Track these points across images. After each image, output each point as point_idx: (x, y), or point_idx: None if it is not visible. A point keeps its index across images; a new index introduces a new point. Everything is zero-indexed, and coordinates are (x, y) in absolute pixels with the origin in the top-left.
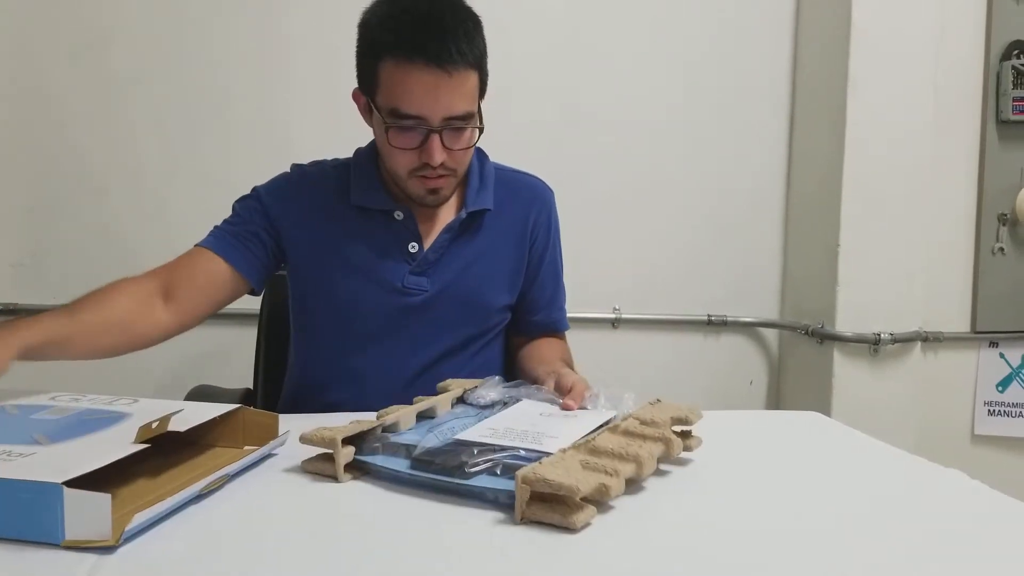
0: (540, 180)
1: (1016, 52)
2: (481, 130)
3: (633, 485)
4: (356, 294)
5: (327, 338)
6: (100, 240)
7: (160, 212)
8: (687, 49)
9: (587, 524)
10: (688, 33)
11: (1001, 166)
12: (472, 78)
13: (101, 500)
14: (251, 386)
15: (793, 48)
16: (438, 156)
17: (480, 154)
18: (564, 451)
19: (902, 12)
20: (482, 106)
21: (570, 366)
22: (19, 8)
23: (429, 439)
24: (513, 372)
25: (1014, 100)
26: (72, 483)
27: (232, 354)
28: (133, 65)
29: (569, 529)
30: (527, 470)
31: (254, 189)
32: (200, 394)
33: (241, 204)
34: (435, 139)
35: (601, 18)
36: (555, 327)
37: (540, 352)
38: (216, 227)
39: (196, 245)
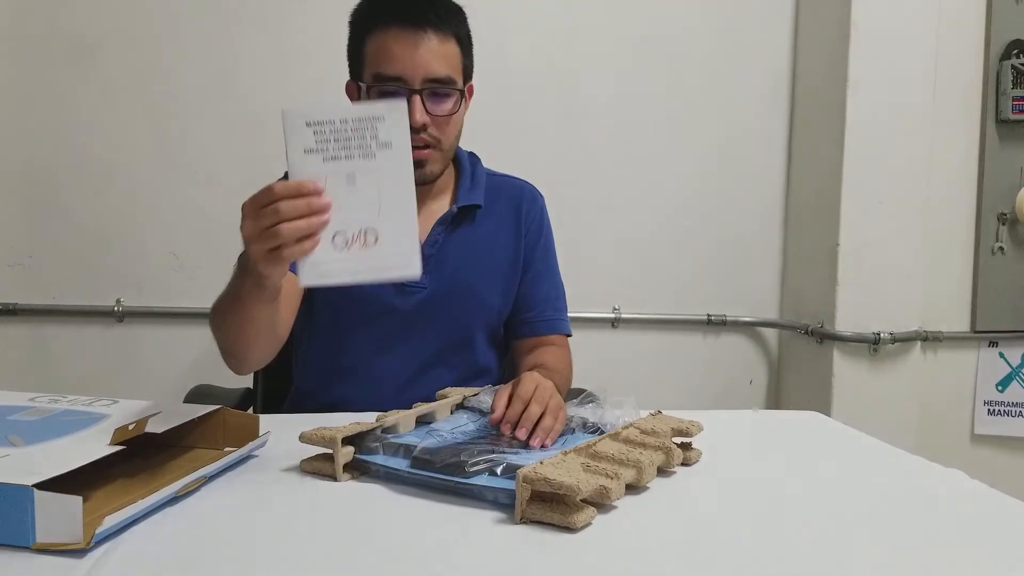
0: (529, 183)
1: (1016, 51)
2: (465, 94)
3: (632, 490)
4: (356, 293)
5: (328, 338)
6: (98, 241)
7: (158, 212)
8: (686, 48)
9: (587, 524)
10: (687, 33)
11: (1001, 166)
12: (451, 45)
13: (72, 502)
14: (251, 385)
15: (793, 48)
16: (419, 116)
17: (473, 157)
18: (565, 453)
19: (901, 12)
20: (473, 104)
21: (560, 373)
22: (19, 9)
23: (428, 440)
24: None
25: (1014, 99)
26: (44, 485)
27: None
28: (131, 66)
29: (569, 529)
30: (528, 469)
31: None
32: (200, 394)
33: None
34: (416, 99)
35: (600, 18)
36: (552, 328)
37: (531, 362)
38: None
39: None
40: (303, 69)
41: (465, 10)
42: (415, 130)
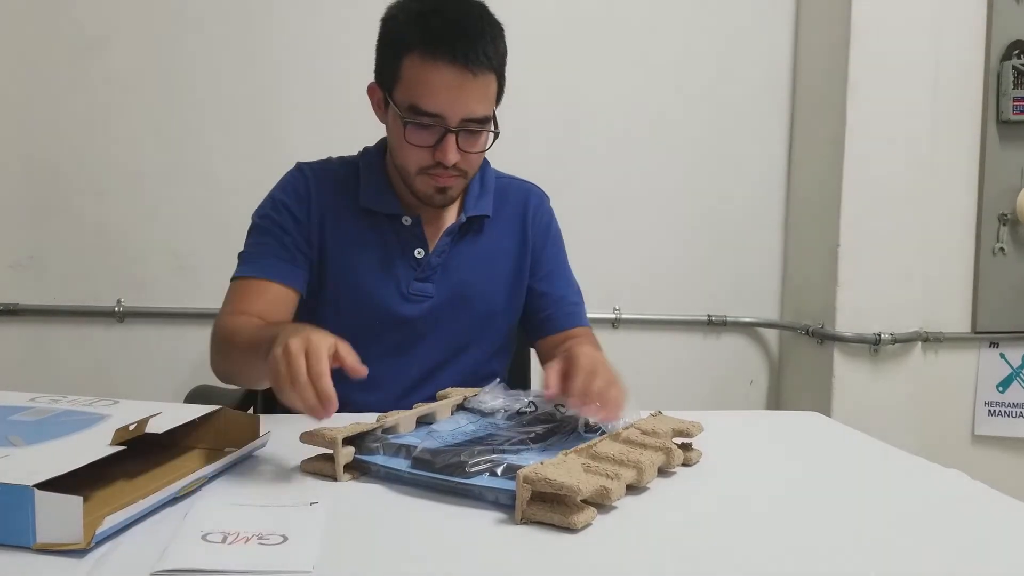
0: (536, 185)
1: (1016, 52)
2: (496, 135)
3: (632, 491)
4: (362, 298)
5: None
6: (99, 241)
7: (159, 213)
8: (687, 50)
9: (587, 525)
10: (689, 34)
11: (1001, 166)
12: (493, 83)
13: (73, 503)
14: None
15: (793, 49)
16: (452, 156)
17: (483, 161)
18: (566, 454)
19: (902, 13)
20: (496, 112)
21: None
22: (19, 8)
23: (428, 441)
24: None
25: (1014, 100)
26: (45, 485)
27: None
28: (132, 66)
29: (569, 529)
30: (529, 470)
31: (272, 197)
32: (200, 394)
33: (267, 218)
34: (451, 139)
35: (601, 20)
36: (572, 321)
37: (557, 347)
38: (254, 249)
39: (246, 277)
40: (306, 68)
41: None
42: (445, 166)
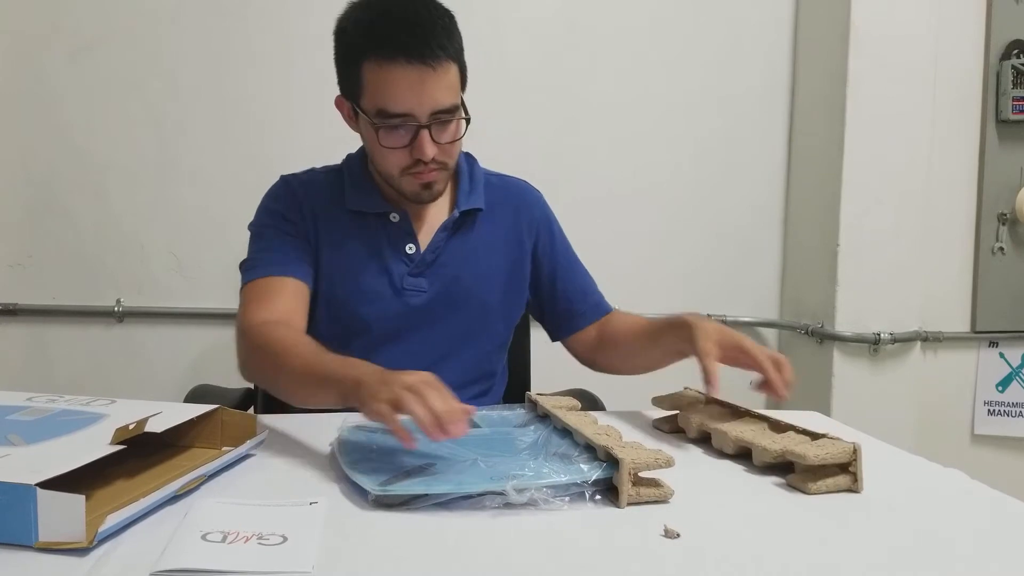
0: (527, 183)
1: (1016, 51)
2: (468, 121)
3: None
4: (356, 297)
5: (329, 341)
6: (98, 241)
7: (158, 213)
8: (686, 48)
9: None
10: (688, 33)
11: (1001, 166)
12: (453, 70)
13: (75, 501)
14: (252, 386)
15: (792, 47)
16: (429, 151)
17: (469, 159)
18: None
19: (901, 12)
20: (473, 103)
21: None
22: (19, 8)
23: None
24: (521, 386)
25: (1014, 100)
26: (46, 484)
27: (233, 354)
28: (132, 66)
29: (661, 501)
30: (626, 457)
31: (265, 208)
32: (200, 394)
33: (265, 225)
34: (425, 134)
35: (600, 19)
36: (601, 310)
37: (620, 325)
38: (261, 253)
39: (261, 278)
40: (303, 68)
41: (464, 9)
42: (425, 162)
